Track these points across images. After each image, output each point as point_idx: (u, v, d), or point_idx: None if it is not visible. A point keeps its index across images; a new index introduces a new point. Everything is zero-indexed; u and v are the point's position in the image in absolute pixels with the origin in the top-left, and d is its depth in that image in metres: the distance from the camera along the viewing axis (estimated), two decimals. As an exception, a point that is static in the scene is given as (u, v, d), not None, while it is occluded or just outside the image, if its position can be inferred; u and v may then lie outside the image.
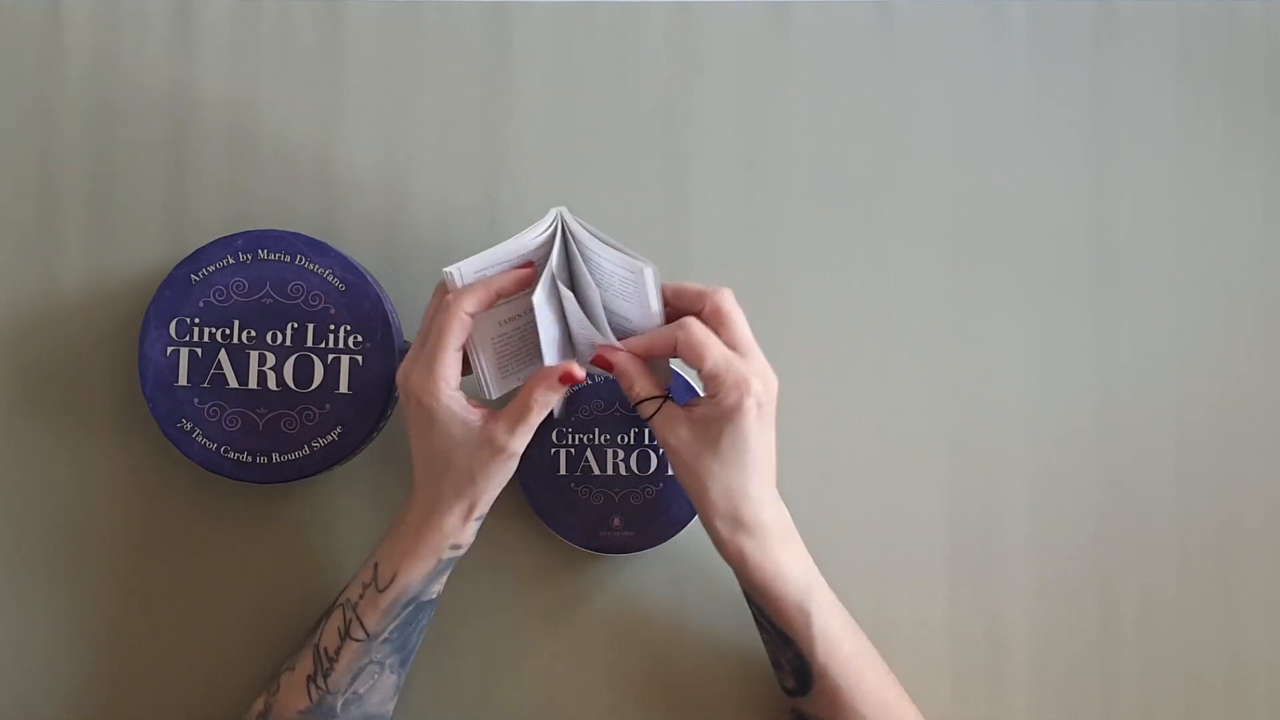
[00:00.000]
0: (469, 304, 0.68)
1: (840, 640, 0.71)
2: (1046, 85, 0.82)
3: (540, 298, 0.67)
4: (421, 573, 0.70)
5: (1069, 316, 0.81)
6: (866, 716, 0.71)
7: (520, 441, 0.69)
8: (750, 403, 0.68)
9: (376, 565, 0.71)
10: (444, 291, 0.70)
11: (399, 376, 0.70)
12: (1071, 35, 0.82)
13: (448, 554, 0.70)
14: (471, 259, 0.68)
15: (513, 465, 0.70)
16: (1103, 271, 0.81)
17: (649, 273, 0.67)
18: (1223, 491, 0.81)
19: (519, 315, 0.71)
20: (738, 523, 0.69)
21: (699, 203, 0.80)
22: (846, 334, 0.80)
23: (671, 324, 0.69)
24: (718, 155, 0.81)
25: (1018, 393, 0.81)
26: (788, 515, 0.71)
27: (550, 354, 0.70)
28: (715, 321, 0.69)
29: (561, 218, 0.68)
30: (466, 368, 0.71)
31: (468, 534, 0.71)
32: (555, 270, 0.68)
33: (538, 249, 0.69)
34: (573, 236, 0.68)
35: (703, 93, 0.81)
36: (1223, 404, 0.81)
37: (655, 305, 0.69)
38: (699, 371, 0.68)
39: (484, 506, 0.70)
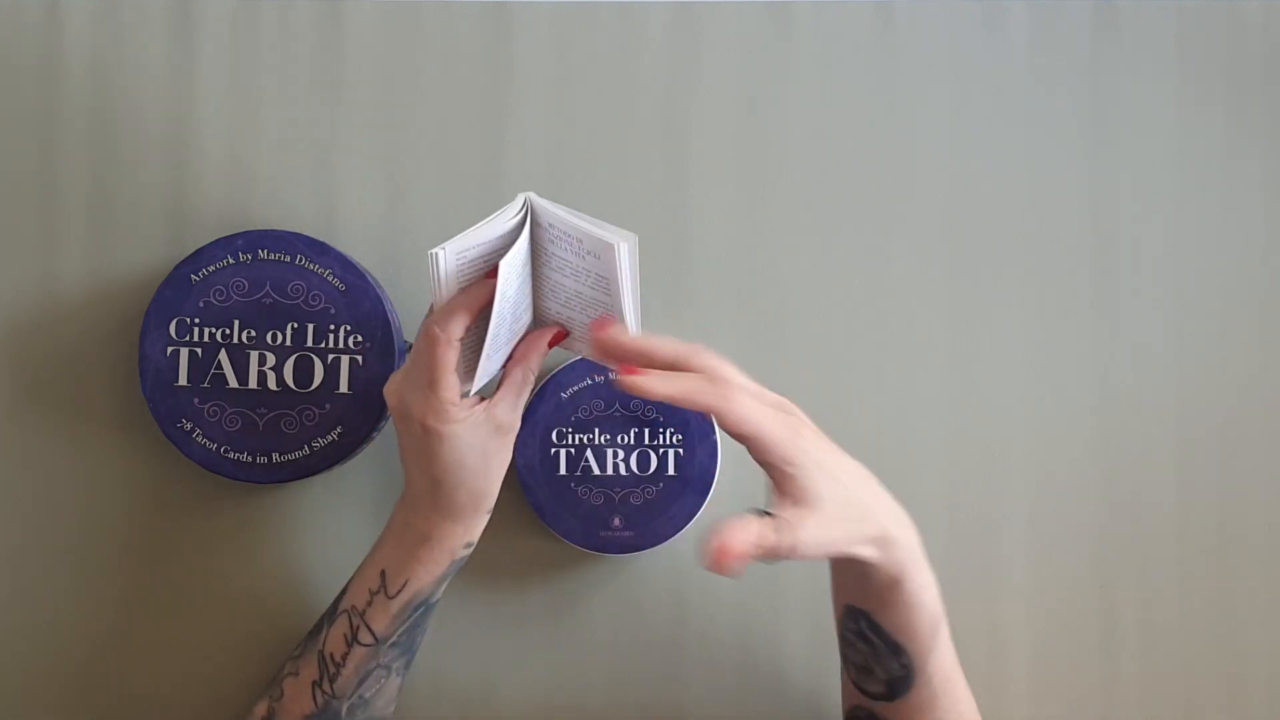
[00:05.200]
0: (456, 330, 0.65)
1: (949, 648, 0.69)
2: (1046, 84, 0.82)
3: (511, 268, 0.65)
4: (434, 576, 0.70)
5: (1069, 315, 0.81)
6: None
7: (519, 414, 0.69)
8: (806, 456, 0.63)
9: (384, 572, 0.70)
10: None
11: (391, 394, 0.67)
12: (1071, 35, 0.82)
13: (462, 553, 0.70)
14: (455, 240, 0.65)
15: (513, 442, 0.69)
16: (1103, 270, 0.81)
17: (624, 247, 0.62)
18: (1223, 491, 0.81)
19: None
20: (885, 541, 0.65)
21: (699, 202, 0.80)
22: (846, 333, 0.80)
23: (694, 379, 0.63)
24: (718, 155, 0.81)
25: (1018, 392, 0.81)
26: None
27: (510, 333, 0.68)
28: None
29: (530, 202, 0.66)
30: None
31: (479, 528, 0.70)
32: (525, 254, 0.67)
33: (514, 230, 0.66)
34: (543, 223, 0.66)
35: (703, 93, 0.81)
36: (1223, 403, 0.81)
37: (628, 296, 0.64)
38: (752, 452, 0.63)
39: (494, 497, 0.70)
